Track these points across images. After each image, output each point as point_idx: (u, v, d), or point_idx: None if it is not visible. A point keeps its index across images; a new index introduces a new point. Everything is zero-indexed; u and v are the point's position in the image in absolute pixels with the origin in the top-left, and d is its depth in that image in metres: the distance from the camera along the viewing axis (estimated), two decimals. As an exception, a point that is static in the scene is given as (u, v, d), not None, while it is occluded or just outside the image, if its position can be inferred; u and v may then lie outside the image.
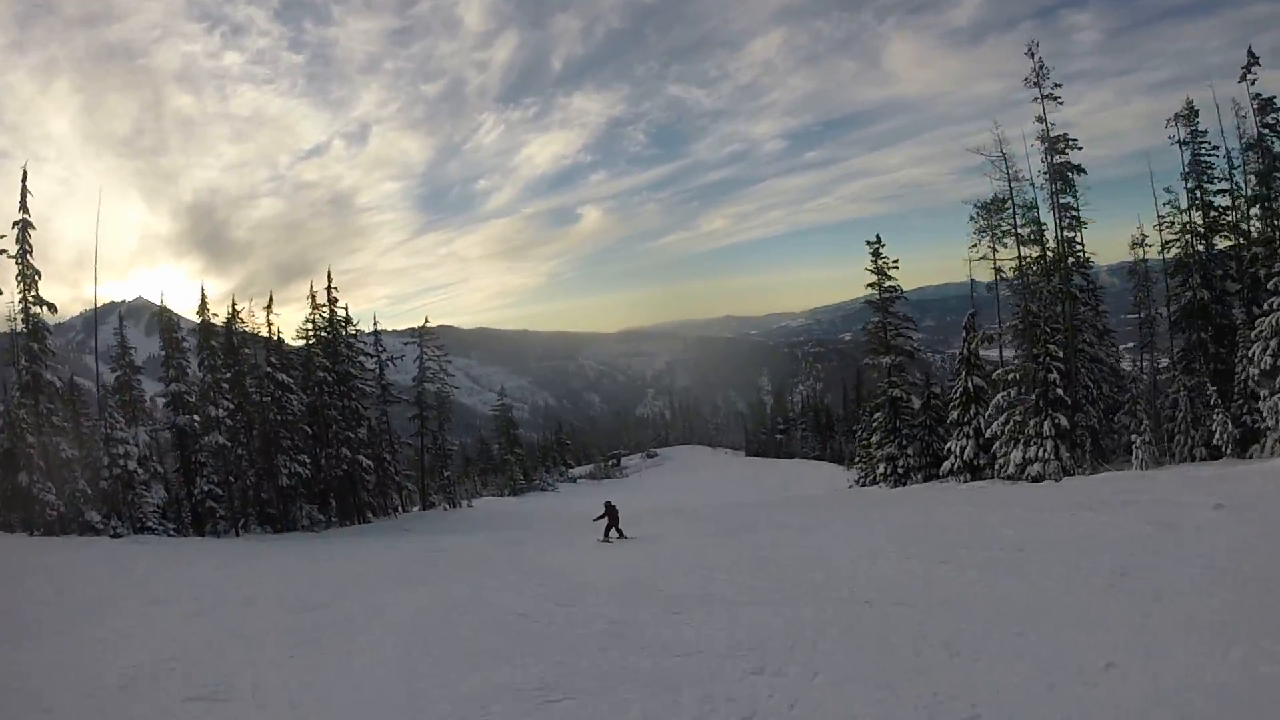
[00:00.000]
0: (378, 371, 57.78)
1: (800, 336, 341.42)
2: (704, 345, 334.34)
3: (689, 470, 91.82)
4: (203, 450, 43.80)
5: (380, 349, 58.02)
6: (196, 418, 44.12)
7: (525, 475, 76.27)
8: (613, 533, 27.10)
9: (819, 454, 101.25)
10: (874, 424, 48.26)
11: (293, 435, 47.57)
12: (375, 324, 58.38)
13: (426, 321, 59.97)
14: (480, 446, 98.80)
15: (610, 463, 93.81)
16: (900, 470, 45.46)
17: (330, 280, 53.29)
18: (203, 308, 46.32)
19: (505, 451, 79.64)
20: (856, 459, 58.76)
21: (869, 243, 49.38)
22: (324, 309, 52.95)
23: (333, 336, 52.88)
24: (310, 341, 52.55)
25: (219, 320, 47.05)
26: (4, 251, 36.04)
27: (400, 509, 57.43)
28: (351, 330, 54.69)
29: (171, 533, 39.14)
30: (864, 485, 50.26)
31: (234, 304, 48.02)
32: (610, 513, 27.36)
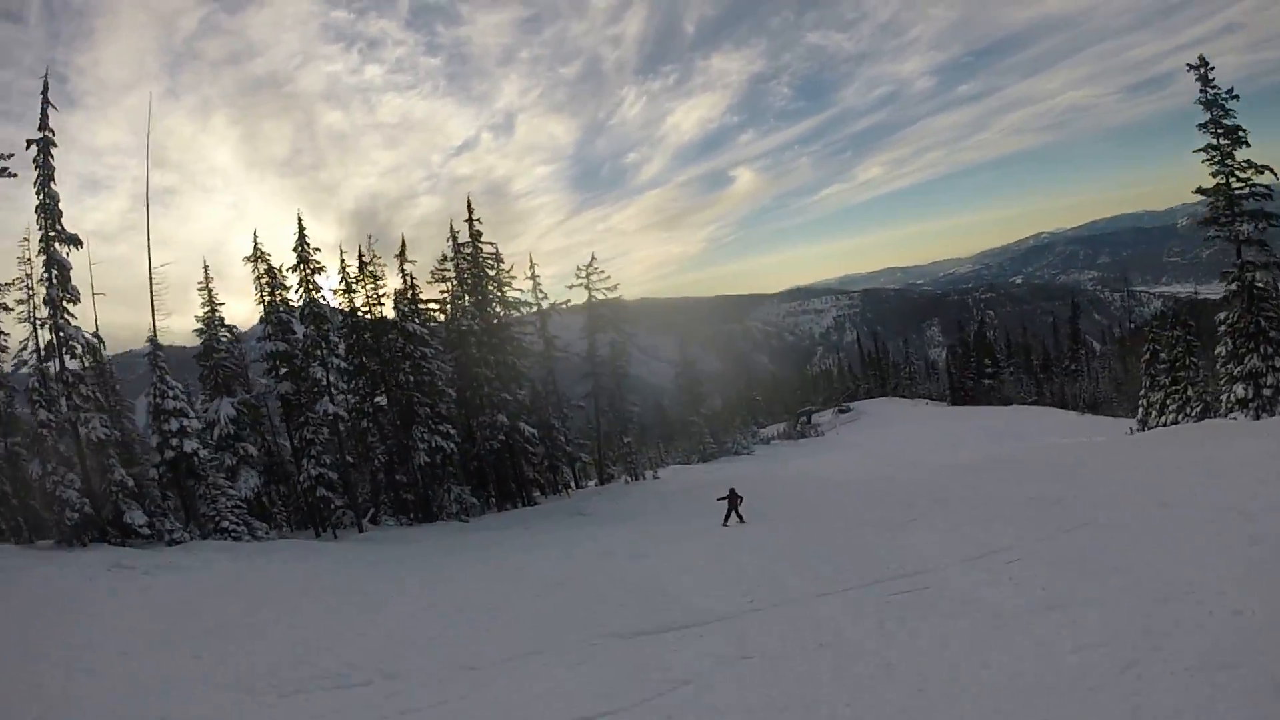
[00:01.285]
0: (539, 323, 45.80)
1: (969, 283, 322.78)
2: (870, 298, 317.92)
3: (890, 424, 78.65)
4: (310, 424, 32.56)
5: (541, 295, 46.01)
6: (299, 384, 33.09)
7: (714, 438, 63.90)
8: (732, 517, 25.94)
9: (1035, 399, 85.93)
10: (1223, 326, 33.63)
11: (433, 400, 36.29)
12: (532, 265, 46.51)
13: (593, 259, 47.62)
14: (658, 412, 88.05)
15: (802, 420, 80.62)
16: (1267, 393, 31.26)
17: (471, 211, 41.54)
18: (301, 242, 35.02)
19: (690, 413, 67.58)
20: (1143, 395, 44.37)
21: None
22: (466, 248, 41.37)
23: (478, 279, 41.09)
24: (452, 286, 41.12)
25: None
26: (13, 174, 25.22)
27: (573, 484, 46.79)
28: (505, 271, 42.98)
29: (260, 535, 28.26)
30: (1171, 423, 39.53)
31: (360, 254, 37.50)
32: (732, 497, 26.23)
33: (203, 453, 27.80)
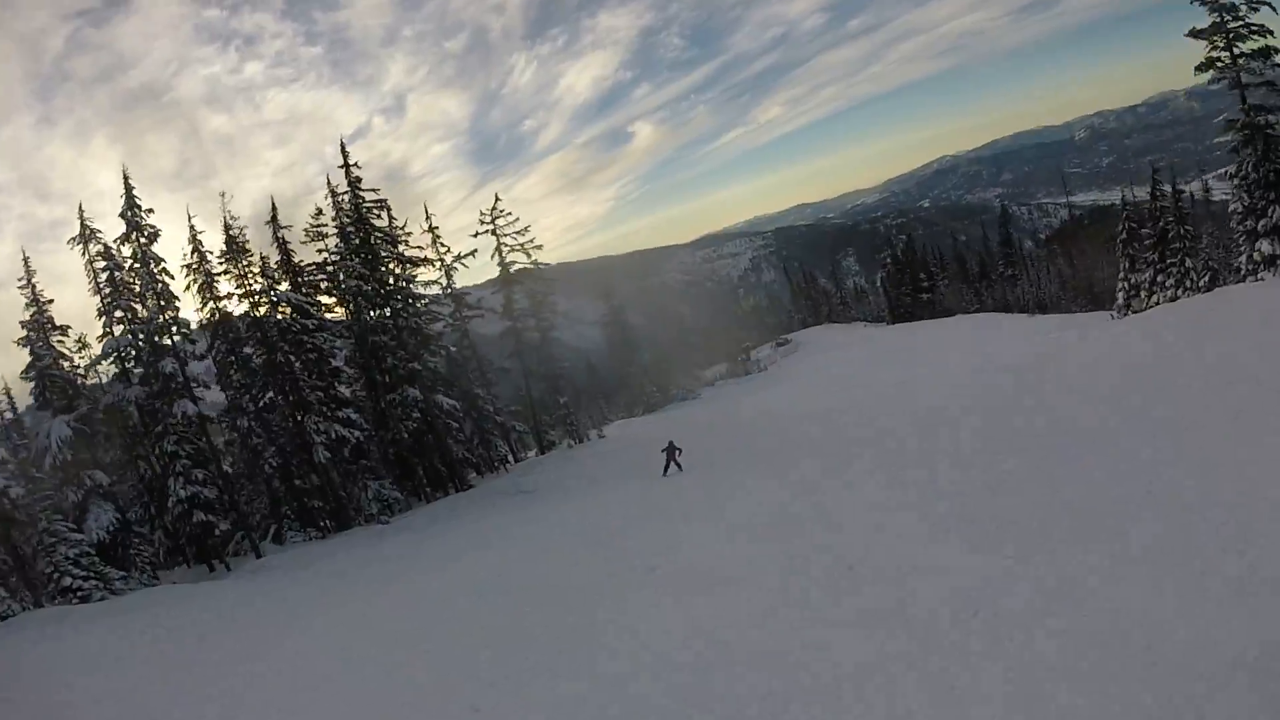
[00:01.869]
0: (445, 279, 39.45)
1: (878, 211, 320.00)
2: (782, 236, 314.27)
3: (831, 350, 74.08)
4: (170, 434, 25.94)
5: (443, 248, 39.67)
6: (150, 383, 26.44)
7: (657, 387, 59.16)
8: (671, 467, 26.08)
9: (978, 307, 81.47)
10: (1235, 180, 28.82)
11: (327, 382, 29.82)
12: (429, 217, 40.26)
13: (498, 199, 41.12)
14: (592, 373, 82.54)
15: (742, 358, 75.52)
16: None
17: (346, 157, 34.98)
18: (130, 205, 27.98)
19: (625, 365, 61.87)
20: (1122, 278, 39.90)
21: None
22: (345, 198, 34.86)
23: (365, 233, 34.53)
24: (337, 245, 34.69)
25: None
26: None
27: (510, 458, 40.68)
28: (399, 228, 36.83)
29: (118, 587, 21.60)
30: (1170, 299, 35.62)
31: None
32: (670, 449, 26.25)
33: (15, 490, 20.96)
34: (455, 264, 40.20)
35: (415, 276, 37.00)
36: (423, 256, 37.83)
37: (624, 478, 27.39)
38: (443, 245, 39.75)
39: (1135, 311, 37.22)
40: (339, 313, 34.07)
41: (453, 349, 38.73)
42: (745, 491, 19.44)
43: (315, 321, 30.46)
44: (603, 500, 24.14)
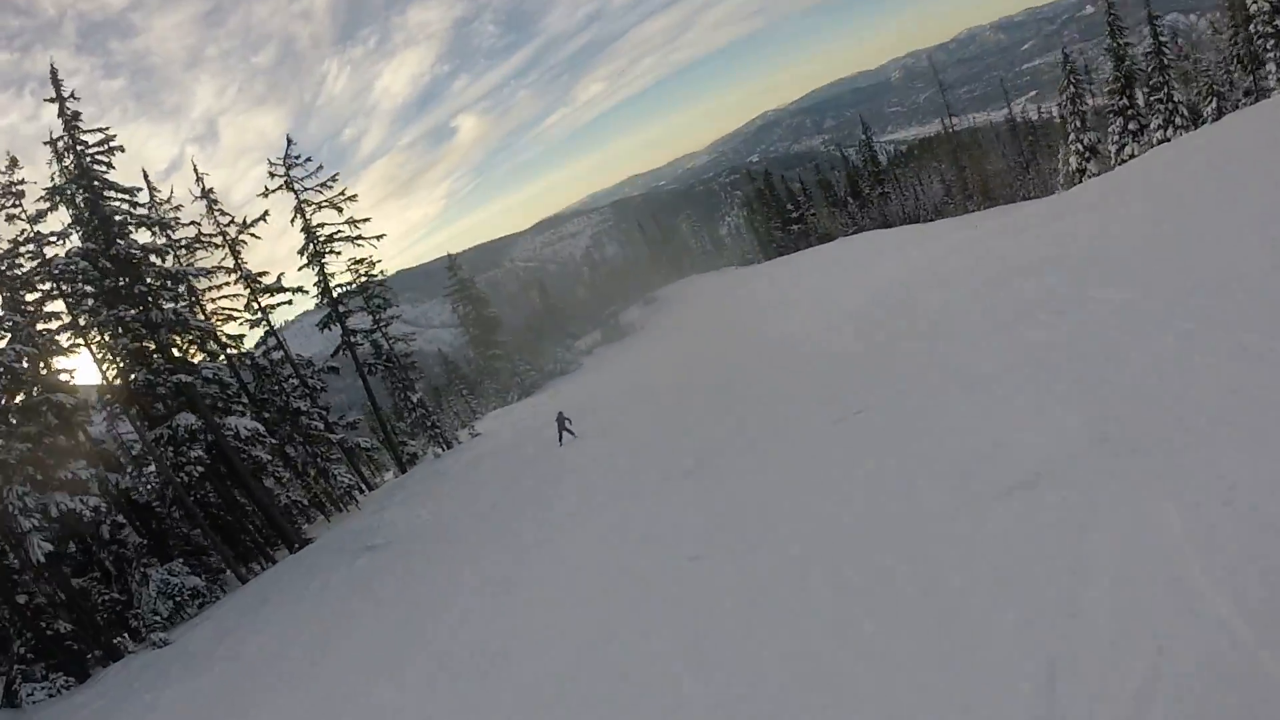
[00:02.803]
0: (229, 257, 28.88)
1: (709, 173, 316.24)
2: (619, 210, 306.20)
3: (702, 299, 65.54)
4: None
5: (224, 217, 29.13)
6: None
7: (531, 365, 51.03)
8: (565, 435, 25.15)
9: (855, 228, 73.60)
10: None
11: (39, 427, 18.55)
12: (197, 173, 29.25)
13: (290, 142, 30.40)
14: (453, 372, 72.26)
15: (612, 323, 66.43)
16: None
17: (58, 85, 23.69)
18: None
19: (488, 348, 52.06)
20: (1073, 140, 32.26)
21: None
22: (68, 148, 23.70)
23: (92, 197, 23.48)
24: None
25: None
26: None
27: (361, 488, 30.84)
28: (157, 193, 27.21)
29: None
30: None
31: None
32: (559, 420, 25.33)
33: None
34: (243, 235, 29.39)
35: (170, 252, 25.97)
36: (163, 218, 26.59)
37: (510, 493, 19.31)
38: (223, 214, 28.86)
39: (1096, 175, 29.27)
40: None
41: (256, 352, 27.93)
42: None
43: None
44: (480, 548, 15.06)
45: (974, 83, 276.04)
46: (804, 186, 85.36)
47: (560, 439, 24.94)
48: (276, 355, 29.50)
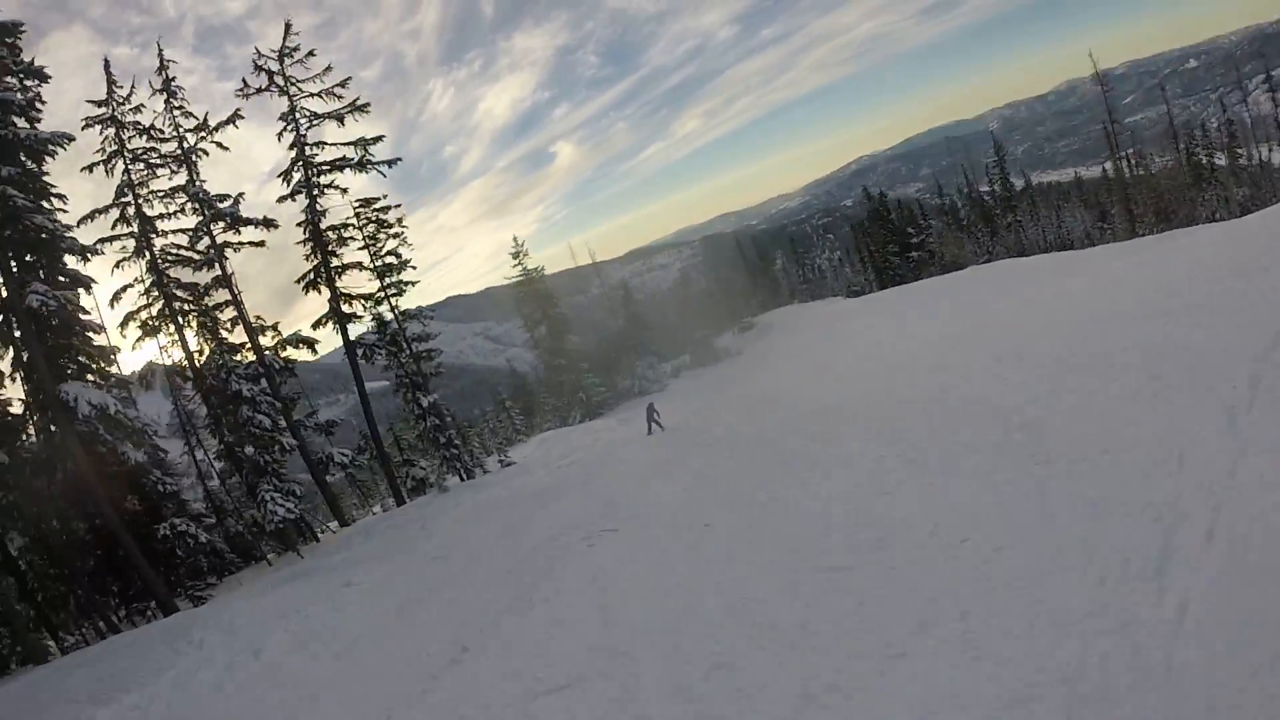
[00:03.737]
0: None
1: (801, 214, 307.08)
2: (710, 246, 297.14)
3: (813, 328, 54.39)
4: None
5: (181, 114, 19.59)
6: None
7: (604, 383, 44.74)
8: (654, 427, 26.20)
9: (987, 257, 62.19)
10: None
11: None
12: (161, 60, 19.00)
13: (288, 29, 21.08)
14: (525, 395, 64.95)
15: (702, 348, 55.92)
16: None
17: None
18: None
19: (553, 356, 42.61)
20: None
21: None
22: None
23: None
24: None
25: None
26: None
27: (304, 528, 23.91)
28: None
29: None
30: None
31: None
32: (649, 412, 26.68)
33: None
34: (204, 143, 20.00)
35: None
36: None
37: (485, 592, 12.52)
38: (186, 114, 19.90)
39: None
40: None
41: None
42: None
43: None
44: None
45: (1071, 136, 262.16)
46: (923, 210, 74.05)
47: (650, 429, 26.06)
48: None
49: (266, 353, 23.84)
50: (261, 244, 23.11)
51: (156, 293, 22.89)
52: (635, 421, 30.65)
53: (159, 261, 22.62)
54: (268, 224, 23.16)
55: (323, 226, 24.38)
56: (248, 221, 22.52)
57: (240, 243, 22.81)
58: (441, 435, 23.99)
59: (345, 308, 25.00)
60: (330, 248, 24.80)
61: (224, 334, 22.96)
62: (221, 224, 22.02)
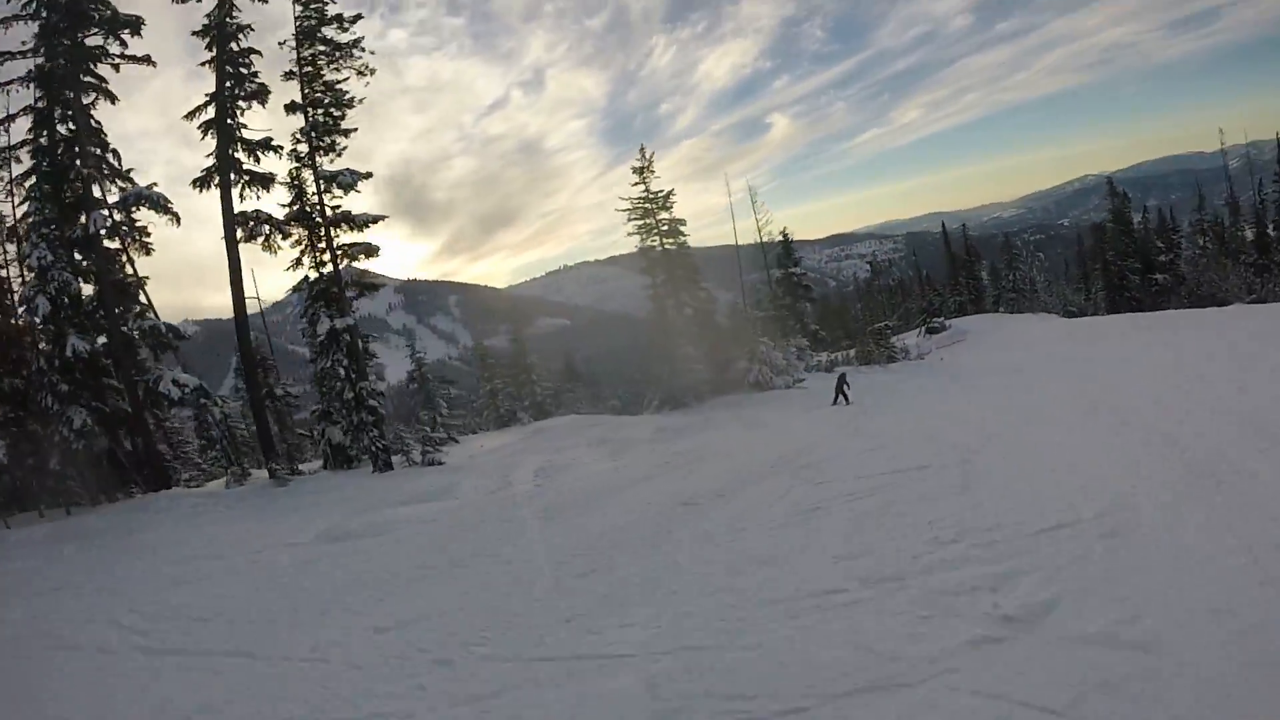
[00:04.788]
0: None
1: (1015, 226, 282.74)
2: (914, 242, 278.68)
3: (1031, 345, 41.87)
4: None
5: None
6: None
7: (719, 369, 33.67)
8: (840, 399, 25.55)
9: (1255, 297, 47.88)
10: None
11: None
12: None
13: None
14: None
15: (877, 343, 44.27)
16: None
17: None
18: None
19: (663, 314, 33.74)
20: None
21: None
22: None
23: None
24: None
25: None
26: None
27: None
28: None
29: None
30: None
31: None
32: (839, 383, 26.10)
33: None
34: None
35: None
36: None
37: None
38: None
39: None
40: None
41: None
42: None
43: None
44: None
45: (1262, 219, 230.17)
46: (1174, 223, 59.18)
47: (835, 400, 25.69)
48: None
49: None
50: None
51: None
52: (716, 432, 20.93)
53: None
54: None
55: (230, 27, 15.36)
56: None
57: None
58: (349, 390, 14.86)
59: (245, 158, 15.97)
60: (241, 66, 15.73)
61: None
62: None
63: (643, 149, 37.18)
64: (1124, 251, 54.95)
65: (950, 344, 49.81)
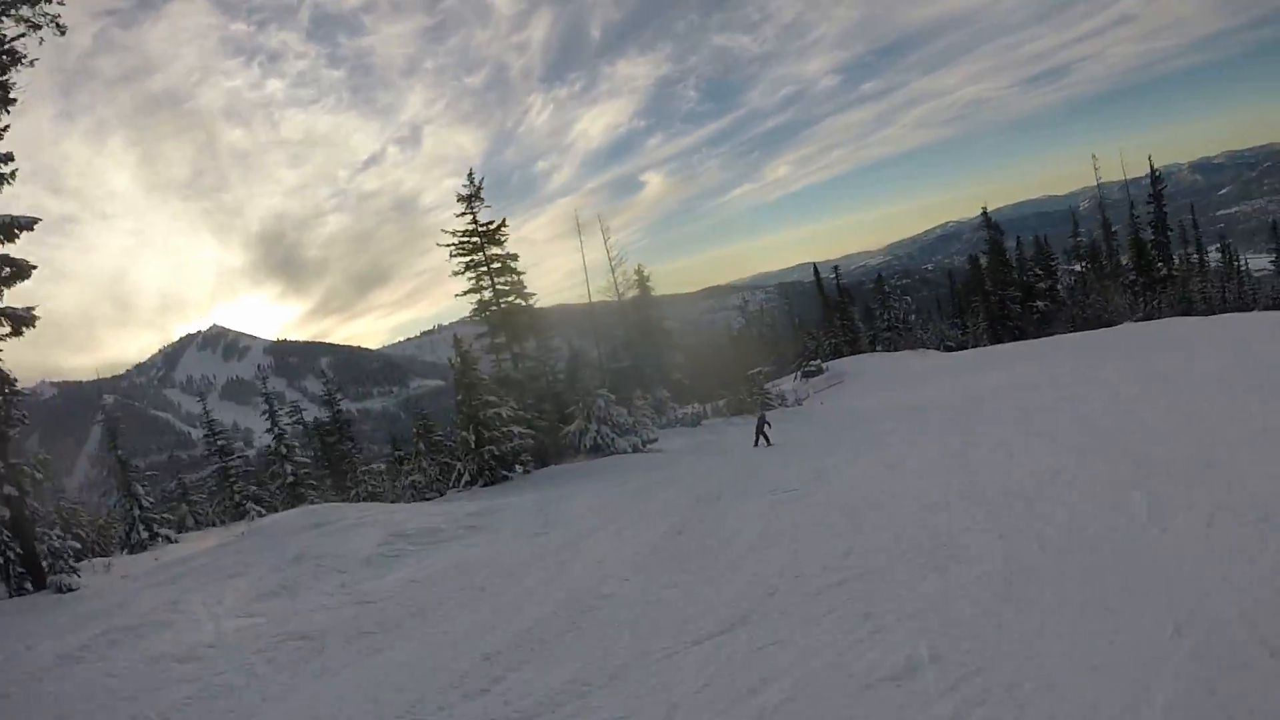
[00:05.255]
0: None
1: (883, 272, 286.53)
2: (786, 291, 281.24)
3: (916, 384, 37.52)
4: None
5: None
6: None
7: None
8: (761, 440, 23.85)
9: (1142, 315, 44.71)
10: None
11: None
12: None
13: None
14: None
15: (751, 391, 38.65)
16: None
17: None
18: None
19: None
20: None
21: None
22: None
23: None
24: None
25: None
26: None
27: None
28: None
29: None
30: None
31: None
32: (759, 423, 24.64)
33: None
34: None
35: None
36: None
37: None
38: None
39: None
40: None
41: None
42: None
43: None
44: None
45: (1138, 239, 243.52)
46: (1047, 249, 56.26)
47: (756, 442, 23.71)
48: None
49: None
50: None
51: None
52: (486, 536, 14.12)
53: None
54: None
55: None
56: None
57: None
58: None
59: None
60: None
61: None
62: None
63: (470, 174, 30.97)
64: (1003, 281, 51.37)
65: (828, 386, 45.00)
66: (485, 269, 31.15)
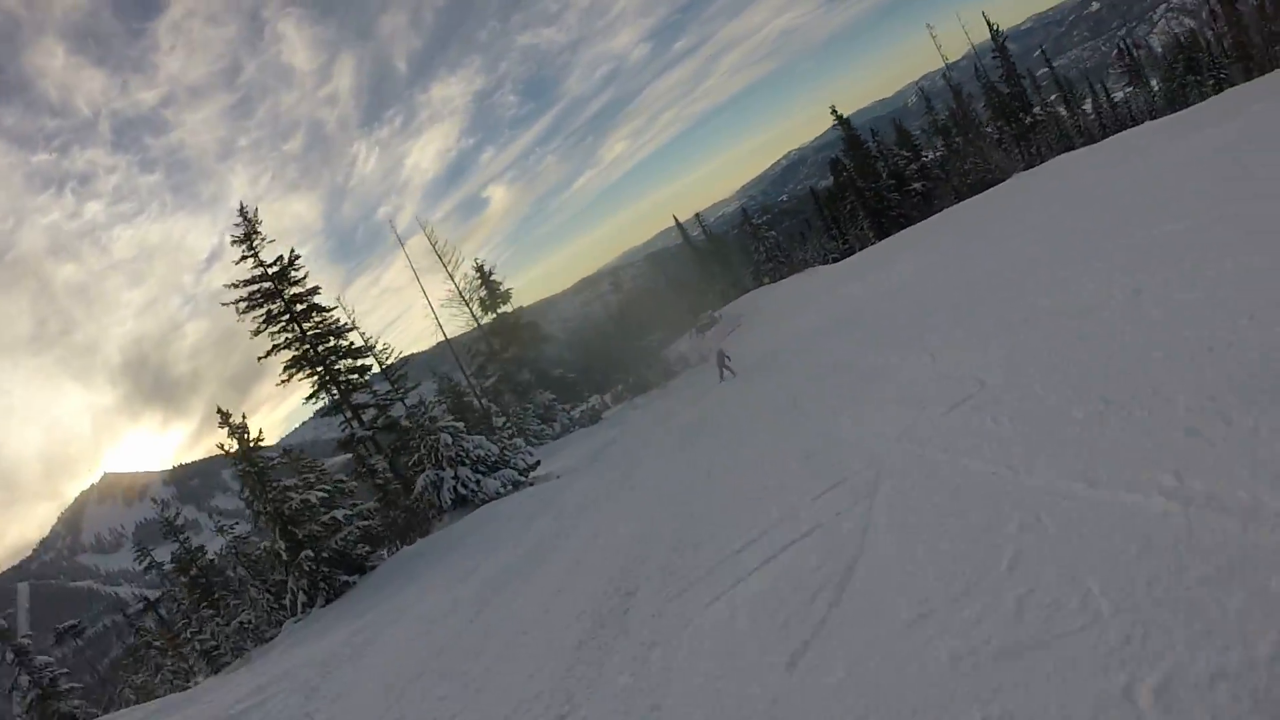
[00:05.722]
0: None
1: (741, 218, 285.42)
2: (655, 261, 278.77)
3: (820, 304, 32.78)
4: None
5: None
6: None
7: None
8: (725, 373, 23.74)
9: (1025, 164, 41.29)
10: None
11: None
12: None
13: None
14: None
15: (649, 366, 33.97)
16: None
17: None
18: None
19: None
20: None
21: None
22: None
23: None
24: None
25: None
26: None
27: None
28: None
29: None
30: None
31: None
32: (719, 357, 24.34)
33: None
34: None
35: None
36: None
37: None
38: None
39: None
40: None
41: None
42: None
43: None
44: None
45: (995, 94, 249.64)
46: (906, 131, 53.00)
47: (721, 375, 23.75)
48: None
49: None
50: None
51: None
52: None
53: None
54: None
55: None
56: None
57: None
58: None
59: None
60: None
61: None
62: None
63: (242, 207, 24.79)
64: (872, 173, 47.41)
65: (730, 331, 40.42)
66: (289, 316, 25.11)
